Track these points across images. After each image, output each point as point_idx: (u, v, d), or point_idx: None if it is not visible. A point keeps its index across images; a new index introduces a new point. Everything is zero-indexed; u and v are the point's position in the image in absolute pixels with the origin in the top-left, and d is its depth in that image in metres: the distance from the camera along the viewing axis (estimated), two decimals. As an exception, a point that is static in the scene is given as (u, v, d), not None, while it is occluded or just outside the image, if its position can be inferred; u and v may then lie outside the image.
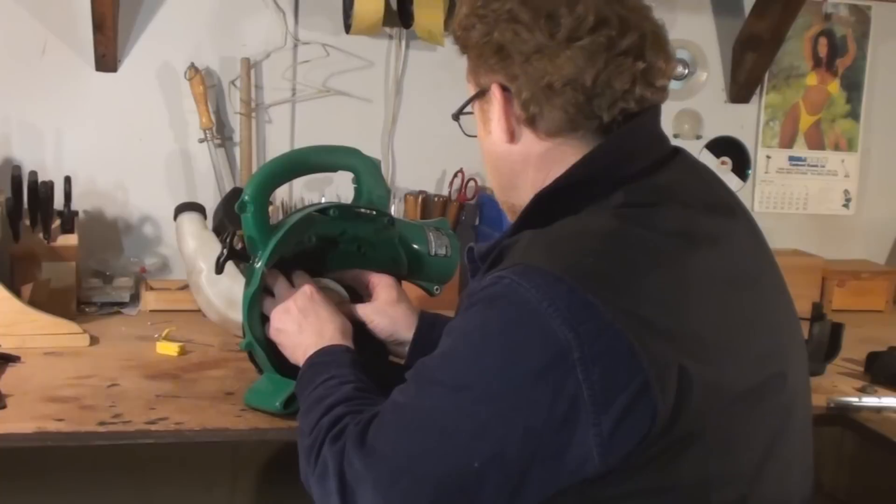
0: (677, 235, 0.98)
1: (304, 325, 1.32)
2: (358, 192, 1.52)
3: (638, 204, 1.00)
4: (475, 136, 1.15)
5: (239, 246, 1.41)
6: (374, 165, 1.52)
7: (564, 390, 0.87)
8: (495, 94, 1.05)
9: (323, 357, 1.25)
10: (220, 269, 1.39)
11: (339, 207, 1.46)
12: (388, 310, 1.42)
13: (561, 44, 0.99)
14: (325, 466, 0.99)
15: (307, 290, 1.36)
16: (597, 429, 0.87)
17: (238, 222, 1.37)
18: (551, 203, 1.03)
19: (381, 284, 1.44)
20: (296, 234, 1.39)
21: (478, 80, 1.09)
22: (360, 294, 1.46)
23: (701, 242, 0.99)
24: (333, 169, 1.54)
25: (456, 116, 1.16)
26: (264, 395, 1.41)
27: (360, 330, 1.39)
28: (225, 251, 1.38)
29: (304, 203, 2.23)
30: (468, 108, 1.13)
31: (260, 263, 1.35)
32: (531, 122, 1.04)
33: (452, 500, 0.91)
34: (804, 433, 1.07)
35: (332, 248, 1.46)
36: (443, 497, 0.91)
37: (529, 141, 1.06)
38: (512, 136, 1.06)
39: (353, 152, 1.51)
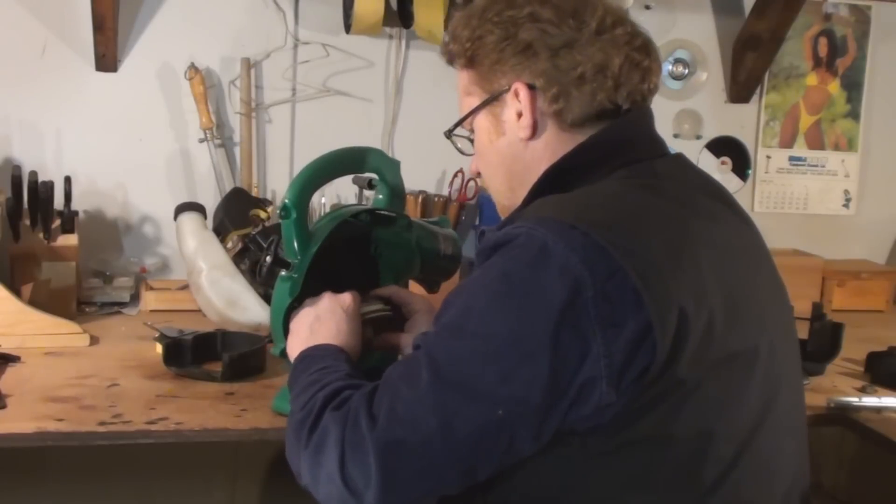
0: (679, 203, 1.05)
1: (315, 328, 1.25)
2: (383, 193, 1.49)
3: (641, 177, 1.07)
4: (470, 155, 1.21)
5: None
6: (396, 166, 1.50)
7: (580, 327, 0.92)
8: (520, 91, 1.09)
9: (317, 351, 1.21)
10: (266, 278, 1.35)
11: (370, 212, 1.44)
12: None
13: (590, 37, 1.08)
14: (325, 436, 0.97)
15: (347, 298, 1.29)
16: (608, 360, 0.91)
17: (241, 224, 1.36)
18: (560, 178, 1.08)
19: (422, 310, 1.38)
20: (333, 240, 1.35)
21: (489, 86, 1.12)
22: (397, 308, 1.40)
23: (700, 214, 1.06)
24: (363, 171, 1.50)
25: (448, 134, 1.21)
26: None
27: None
28: (269, 258, 1.35)
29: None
30: (461, 128, 1.18)
31: (302, 271, 1.31)
32: (558, 114, 1.09)
33: (476, 453, 0.93)
34: (794, 414, 1.10)
35: (351, 250, 1.43)
36: (464, 452, 0.93)
37: (551, 134, 1.10)
38: (534, 132, 1.10)
39: (379, 153, 1.49)
